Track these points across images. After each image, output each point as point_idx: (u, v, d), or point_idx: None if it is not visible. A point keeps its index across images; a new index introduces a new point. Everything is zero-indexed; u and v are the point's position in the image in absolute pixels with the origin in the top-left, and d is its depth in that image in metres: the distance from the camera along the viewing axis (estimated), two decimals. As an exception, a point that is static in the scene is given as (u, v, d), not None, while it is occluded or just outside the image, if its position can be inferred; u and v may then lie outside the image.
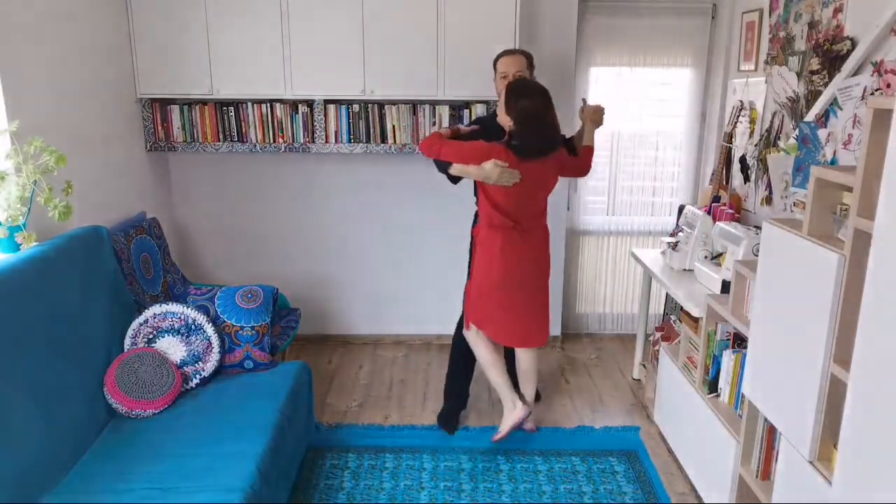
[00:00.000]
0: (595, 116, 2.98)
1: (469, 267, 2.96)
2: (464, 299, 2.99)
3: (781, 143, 3.00)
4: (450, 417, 3.17)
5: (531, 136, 2.61)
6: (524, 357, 2.99)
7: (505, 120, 2.66)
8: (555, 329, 4.17)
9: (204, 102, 3.54)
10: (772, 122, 3.09)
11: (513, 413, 2.92)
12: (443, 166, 2.77)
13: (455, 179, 2.89)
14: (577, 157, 2.91)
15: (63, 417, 2.15)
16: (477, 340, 2.93)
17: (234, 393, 2.59)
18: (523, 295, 2.83)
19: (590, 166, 2.98)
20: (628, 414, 3.34)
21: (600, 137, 3.97)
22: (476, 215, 2.98)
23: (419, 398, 3.47)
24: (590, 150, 2.96)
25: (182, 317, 2.69)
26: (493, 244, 2.76)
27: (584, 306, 4.30)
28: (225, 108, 3.54)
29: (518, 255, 2.77)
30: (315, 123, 3.52)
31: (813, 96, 2.71)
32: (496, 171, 2.60)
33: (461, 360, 3.17)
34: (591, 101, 3.89)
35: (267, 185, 3.89)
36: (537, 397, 3.28)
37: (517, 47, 3.27)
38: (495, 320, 2.86)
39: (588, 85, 3.90)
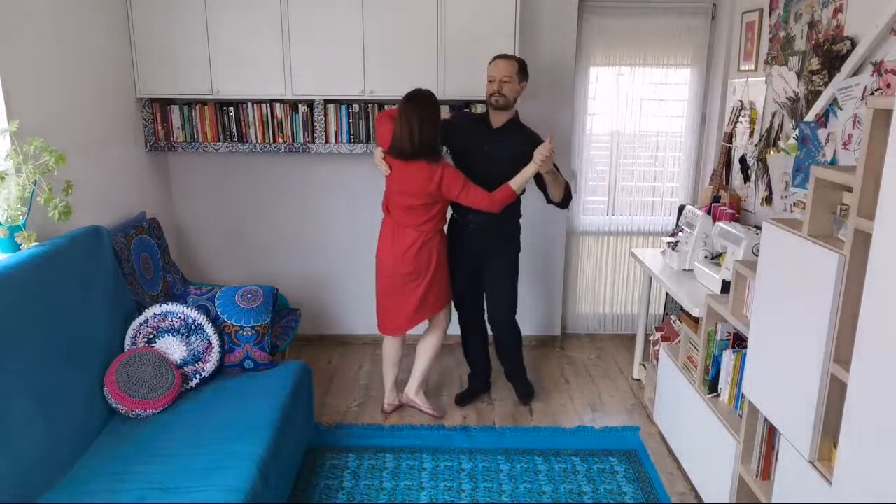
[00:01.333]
0: (544, 163, 2.81)
1: None
2: None
3: (781, 143, 3.00)
4: (464, 394, 3.45)
5: (395, 135, 2.89)
6: (388, 343, 3.31)
7: None
8: (555, 329, 4.17)
9: (204, 102, 3.54)
10: (772, 122, 3.09)
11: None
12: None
13: None
14: (481, 192, 2.90)
15: (63, 417, 2.15)
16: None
17: (234, 393, 2.59)
18: (389, 283, 3.10)
19: (497, 206, 2.90)
20: (628, 414, 3.34)
21: (601, 136, 4.00)
22: None
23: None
24: (507, 192, 2.90)
25: (182, 317, 2.69)
26: (382, 227, 3.12)
27: (584, 306, 4.30)
28: (225, 108, 3.54)
29: (387, 242, 3.05)
30: (315, 123, 3.52)
31: (813, 96, 2.71)
32: (376, 156, 3.00)
33: (464, 344, 3.48)
34: (591, 101, 3.92)
35: (267, 185, 3.89)
36: (530, 394, 3.42)
37: (514, 51, 3.31)
38: (376, 300, 3.21)
39: (588, 85, 3.90)
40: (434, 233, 3.02)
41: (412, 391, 3.32)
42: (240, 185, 3.88)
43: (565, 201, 3.08)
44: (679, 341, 2.92)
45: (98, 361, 2.44)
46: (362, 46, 3.37)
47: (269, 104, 3.52)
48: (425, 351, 3.26)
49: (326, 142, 3.56)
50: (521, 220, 3.22)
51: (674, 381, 2.89)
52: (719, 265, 2.94)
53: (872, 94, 2.34)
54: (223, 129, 3.56)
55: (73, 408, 2.22)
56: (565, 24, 3.70)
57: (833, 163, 2.55)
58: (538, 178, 2.97)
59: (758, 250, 2.33)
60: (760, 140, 3.18)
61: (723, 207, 3.30)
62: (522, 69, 2.97)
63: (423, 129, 2.83)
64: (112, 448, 2.21)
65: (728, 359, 2.48)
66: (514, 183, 2.90)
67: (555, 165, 2.91)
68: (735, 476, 2.34)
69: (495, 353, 3.44)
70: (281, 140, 3.56)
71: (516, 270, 3.24)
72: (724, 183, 3.50)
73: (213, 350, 2.69)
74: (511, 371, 3.43)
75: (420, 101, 2.86)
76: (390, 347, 3.29)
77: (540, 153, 2.80)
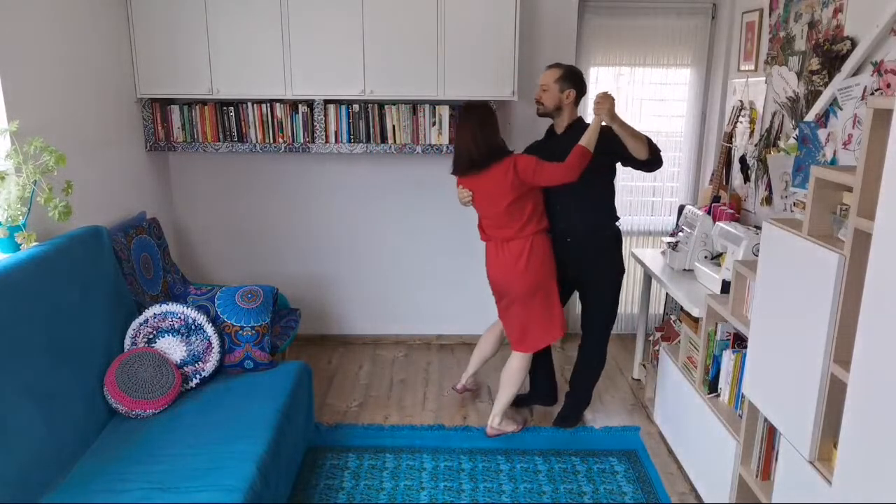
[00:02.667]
0: (598, 107, 2.70)
1: None
2: None
3: (781, 143, 3.00)
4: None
5: (456, 155, 2.87)
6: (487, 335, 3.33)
7: None
8: (555, 329, 4.16)
9: (204, 102, 3.54)
10: (772, 122, 3.09)
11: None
12: None
13: None
14: (556, 164, 2.73)
15: (63, 417, 2.15)
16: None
17: (234, 393, 2.58)
18: (503, 304, 3.01)
19: (573, 169, 2.69)
20: (628, 414, 3.34)
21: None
22: None
23: (419, 398, 3.47)
24: (577, 151, 2.70)
25: (182, 317, 2.69)
26: (487, 252, 3.01)
27: (584, 306, 4.29)
28: (225, 108, 3.54)
29: (492, 267, 2.97)
30: (315, 123, 3.52)
31: (813, 96, 2.71)
32: (459, 195, 2.94)
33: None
34: (591, 102, 3.92)
35: (267, 185, 3.89)
36: (552, 399, 3.34)
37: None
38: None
39: (588, 85, 3.89)
40: (538, 234, 2.86)
41: (496, 422, 3.08)
42: (240, 185, 3.88)
43: (654, 156, 2.81)
44: (679, 341, 2.92)
45: (98, 361, 2.44)
46: (362, 46, 3.37)
47: (269, 104, 3.52)
48: (510, 378, 3.03)
49: (326, 142, 3.56)
50: (618, 225, 3.02)
51: (674, 381, 2.89)
52: (719, 265, 2.94)
53: (872, 94, 2.34)
54: (223, 129, 3.56)
55: (73, 408, 2.22)
56: (565, 24, 3.69)
57: (833, 163, 2.55)
58: (623, 150, 2.77)
59: (758, 250, 2.33)
60: (760, 140, 3.18)
61: (723, 207, 3.30)
62: (567, 77, 2.86)
63: (482, 134, 2.78)
64: (112, 448, 2.21)
65: (728, 359, 2.48)
66: (583, 140, 2.72)
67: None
68: (735, 476, 2.33)
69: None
70: (281, 140, 3.56)
71: (617, 295, 3.07)
72: (724, 183, 3.50)
73: (213, 350, 2.69)
74: (575, 395, 3.24)
75: (467, 112, 2.83)
76: (486, 341, 3.31)
77: (595, 100, 2.71)
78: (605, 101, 2.68)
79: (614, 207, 3.02)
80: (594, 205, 2.95)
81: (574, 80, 2.90)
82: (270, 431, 2.30)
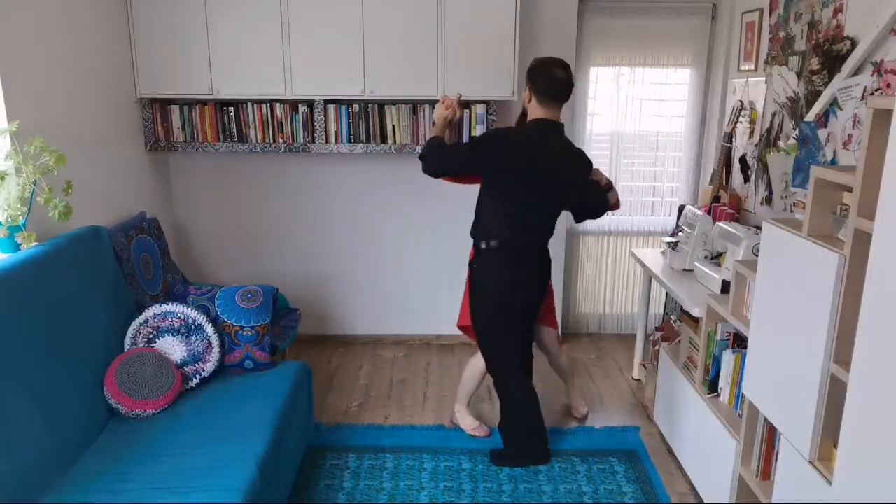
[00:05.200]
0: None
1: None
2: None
3: (781, 143, 3.00)
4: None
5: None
6: None
7: None
8: (555, 329, 4.17)
9: (204, 102, 3.54)
10: (772, 122, 3.09)
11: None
12: None
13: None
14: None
15: (63, 417, 2.15)
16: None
17: (234, 393, 2.58)
18: None
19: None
20: (628, 414, 3.34)
21: (601, 136, 4.00)
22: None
23: (419, 398, 3.47)
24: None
25: (182, 317, 2.69)
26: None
27: (584, 306, 4.30)
28: (225, 108, 3.54)
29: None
30: (315, 123, 3.52)
31: (813, 96, 2.71)
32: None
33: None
34: (591, 101, 3.93)
35: (267, 185, 3.89)
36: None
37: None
38: None
39: (588, 85, 3.90)
40: None
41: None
42: (240, 185, 3.88)
43: (421, 156, 2.71)
44: (679, 341, 2.92)
45: (98, 361, 2.44)
46: (362, 47, 3.37)
47: (269, 104, 3.52)
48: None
49: (326, 142, 3.56)
50: (486, 244, 2.70)
51: (674, 381, 2.89)
52: (719, 265, 2.94)
53: (872, 94, 2.34)
54: (223, 129, 3.56)
55: (73, 408, 2.22)
56: (565, 24, 3.69)
57: (833, 163, 2.55)
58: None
59: (758, 250, 2.33)
60: (760, 140, 3.18)
61: (723, 207, 3.30)
62: (526, 75, 2.63)
63: None
64: (112, 448, 2.21)
65: (728, 359, 2.48)
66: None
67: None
68: (735, 476, 2.34)
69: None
70: (281, 140, 3.56)
71: (478, 320, 2.83)
72: (724, 183, 3.50)
73: (213, 350, 2.69)
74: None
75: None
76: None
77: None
78: (444, 102, 2.72)
79: (487, 225, 2.71)
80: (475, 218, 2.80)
81: (529, 76, 2.61)
82: (270, 431, 2.30)
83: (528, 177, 2.61)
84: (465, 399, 3.11)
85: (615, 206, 2.85)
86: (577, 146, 2.80)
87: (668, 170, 4.05)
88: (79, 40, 2.88)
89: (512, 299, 2.73)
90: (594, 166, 2.79)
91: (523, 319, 2.83)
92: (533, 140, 2.61)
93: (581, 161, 2.73)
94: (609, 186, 2.82)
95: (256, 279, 3.76)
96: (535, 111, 2.62)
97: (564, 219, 3.97)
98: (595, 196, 2.78)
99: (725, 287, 2.71)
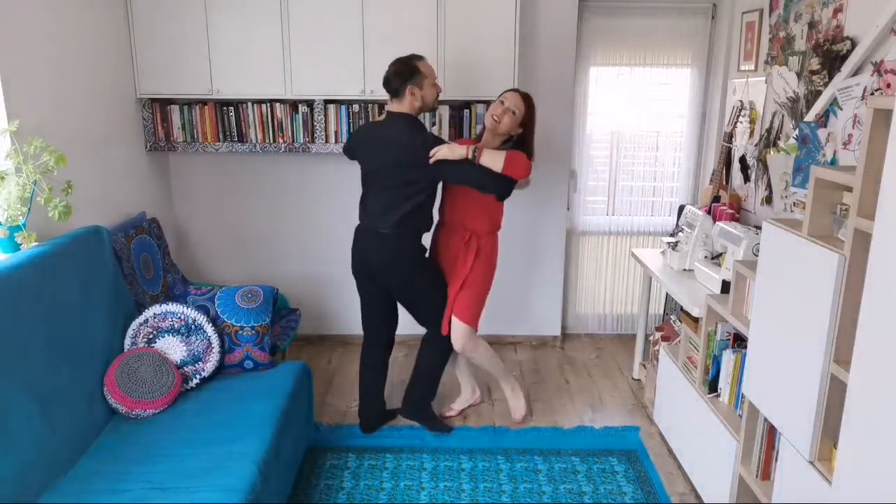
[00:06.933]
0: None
1: (470, 271, 2.93)
2: (468, 303, 2.96)
3: (781, 143, 3.00)
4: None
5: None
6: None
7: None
8: (555, 329, 4.17)
9: (204, 102, 3.54)
10: (772, 122, 3.09)
11: (473, 396, 3.34)
12: None
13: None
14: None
15: (63, 417, 2.15)
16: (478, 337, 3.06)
17: (234, 393, 2.58)
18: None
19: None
20: (628, 414, 3.34)
21: (601, 136, 4.00)
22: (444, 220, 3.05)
23: (419, 398, 3.46)
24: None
25: (182, 317, 2.69)
26: (497, 247, 3.05)
27: (584, 306, 4.30)
28: (225, 108, 3.54)
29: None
30: (315, 123, 3.52)
31: (813, 96, 2.71)
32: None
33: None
34: (591, 101, 3.93)
35: (267, 185, 3.89)
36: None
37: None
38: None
39: (588, 85, 3.90)
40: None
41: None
42: (240, 185, 3.88)
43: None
44: (679, 341, 2.92)
45: (98, 361, 2.44)
46: (362, 47, 3.37)
47: (269, 104, 3.52)
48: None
49: (326, 142, 3.56)
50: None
51: (674, 381, 2.89)
52: (719, 265, 2.94)
53: (872, 94, 2.34)
54: (223, 129, 3.56)
55: (73, 408, 2.22)
56: (565, 24, 3.69)
57: (833, 163, 2.55)
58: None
59: (758, 250, 2.33)
60: (760, 140, 3.18)
61: (723, 207, 3.30)
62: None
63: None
64: (112, 448, 2.21)
65: (728, 359, 2.48)
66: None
67: None
68: (735, 476, 2.34)
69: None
70: (281, 140, 3.56)
71: None
72: (724, 183, 3.50)
73: (213, 350, 2.69)
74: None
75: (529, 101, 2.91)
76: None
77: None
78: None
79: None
80: None
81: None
82: (270, 431, 2.30)
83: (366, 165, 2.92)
84: (503, 376, 3.19)
85: (516, 174, 2.72)
86: (431, 133, 2.91)
87: (668, 170, 4.05)
88: (79, 40, 2.88)
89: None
90: (443, 145, 2.73)
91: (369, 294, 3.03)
92: (364, 131, 3.00)
93: (408, 144, 2.75)
94: (472, 160, 2.70)
95: (256, 279, 3.76)
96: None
97: (564, 219, 3.98)
98: (472, 171, 2.71)
99: (725, 287, 2.71)
